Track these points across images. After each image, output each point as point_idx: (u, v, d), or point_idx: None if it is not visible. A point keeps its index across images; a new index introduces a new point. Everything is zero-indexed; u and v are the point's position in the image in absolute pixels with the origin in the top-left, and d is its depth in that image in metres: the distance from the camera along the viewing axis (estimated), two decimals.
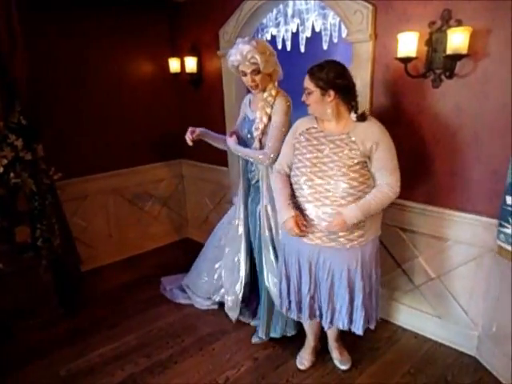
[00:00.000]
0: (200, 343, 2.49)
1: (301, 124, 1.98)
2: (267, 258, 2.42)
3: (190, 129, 2.45)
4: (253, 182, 2.44)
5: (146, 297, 3.02)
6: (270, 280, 2.42)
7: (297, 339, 2.42)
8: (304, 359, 2.30)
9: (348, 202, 1.81)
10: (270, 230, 2.39)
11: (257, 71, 2.16)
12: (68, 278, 2.89)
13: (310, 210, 1.89)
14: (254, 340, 2.51)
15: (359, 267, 1.92)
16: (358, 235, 1.88)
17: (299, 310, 2.11)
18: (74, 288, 2.96)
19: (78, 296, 2.99)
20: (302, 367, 2.27)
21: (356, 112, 1.83)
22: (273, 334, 2.48)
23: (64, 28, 3.04)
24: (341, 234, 1.86)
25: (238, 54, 2.14)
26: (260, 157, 2.23)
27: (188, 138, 2.43)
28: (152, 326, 2.67)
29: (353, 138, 1.80)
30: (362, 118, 1.82)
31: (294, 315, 2.15)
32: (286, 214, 1.90)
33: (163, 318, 2.75)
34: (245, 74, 2.20)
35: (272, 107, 2.21)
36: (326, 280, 1.96)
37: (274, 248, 2.39)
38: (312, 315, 2.08)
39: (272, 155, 2.19)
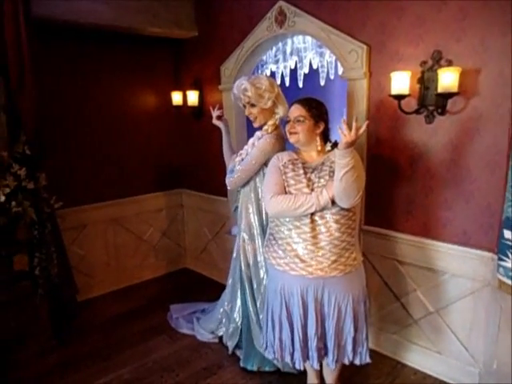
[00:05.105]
0: (195, 378, 2.43)
1: (282, 155, 2.00)
2: (246, 296, 2.47)
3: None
4: (236, 205, 2.51)
5: (143, 328, 2.97)
6: (252, 317, 2.46)
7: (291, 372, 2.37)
8: None
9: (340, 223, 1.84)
10: (248, 265, 2.43)
11: (251, 104, 2.24)
12: (63, 308, 2.86)
13: (297, 245, 1.88)
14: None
15: (361, 293, 1.94)
16: (352, 258, 1.90)
17: (305, 357, 1.99)
18: (68, 318, 2.92)
19: (72, 327, 2.94)
20: None
21: (330, 142, 1.96)
22: (248, 367, 2.46)
23: (70, 65, 3.20)
24: (340, 260, 1.86)
25: (235, 87, 2.27)
26: (226, 177, 2.37)
27: (215, 113, 2.52)
28: (147, 358, 2.62)
29: (332, 159, 1.83)
30: (335, 146, 1.84)
31: (299, 365, 2.01)
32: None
33: (158, 351, 2.70)
34: (244, 106, 2.30)
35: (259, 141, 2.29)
36: (333, 315, 1.90)
37: (252, 286, 2.43)
38: (321, 357, 1.98)
39: (232, 180, 2.33)
